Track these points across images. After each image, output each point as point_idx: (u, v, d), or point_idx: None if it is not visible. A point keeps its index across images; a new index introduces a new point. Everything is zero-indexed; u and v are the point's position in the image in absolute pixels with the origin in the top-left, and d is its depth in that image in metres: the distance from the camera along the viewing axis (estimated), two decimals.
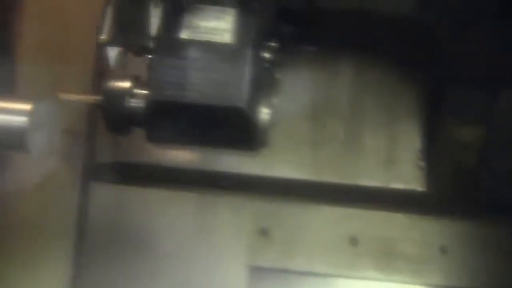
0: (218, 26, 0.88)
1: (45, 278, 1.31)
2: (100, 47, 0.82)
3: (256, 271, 1.42)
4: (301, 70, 1.49)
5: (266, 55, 0.94)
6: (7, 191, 1.19)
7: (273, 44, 1.05)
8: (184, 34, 0.88)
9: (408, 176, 1.48)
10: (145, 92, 0.88)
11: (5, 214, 1.27)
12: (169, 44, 0.87)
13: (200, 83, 0.86)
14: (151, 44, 0.83)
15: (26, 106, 0.87)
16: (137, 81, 0.90)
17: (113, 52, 0.82)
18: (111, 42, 0.82)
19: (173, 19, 0.87)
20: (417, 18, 1.28)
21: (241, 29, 0.88)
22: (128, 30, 0.81)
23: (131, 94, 0.89)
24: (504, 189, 1.42)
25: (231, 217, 1.44)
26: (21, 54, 1.13)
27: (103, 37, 0.80)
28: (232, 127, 0.88)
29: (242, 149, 0.93)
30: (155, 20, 0.83)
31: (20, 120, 0.86)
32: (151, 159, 1.45)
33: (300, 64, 1.48)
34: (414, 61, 1.46)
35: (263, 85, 0.93)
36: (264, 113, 0.90)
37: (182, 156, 1.45)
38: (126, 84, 0.89)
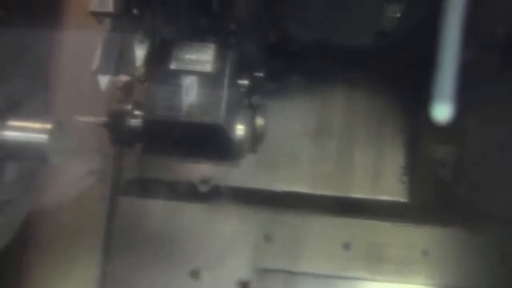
0: (201, 58, 0.94)
1: (76, 276, 1.38)
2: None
3: (261, 272, 1.46)
4: (299, 98, 1.54)
5: (244, 82, 1.01)
6: (47, 201, 1.25)
7: (259, 74, 1.12)
8: (173, 65, 0.95)
9: (393, 189, 1.51)
10: (142, 113, 0.95)
11: (44, 221, 1.34)
12: (161, 73, 0.94)
13: (186, 105, 0.93)
14: (136, 74, 0.89)
15: (47, 126, 0.95)
16: (137, 105, 0.97)
17: (103, 80, 0.89)
18: (102, 71, 0.89)
19: (163, 53, 0.94)
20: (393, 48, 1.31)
21: (220, 61, 0.95)
22: (117, 61, 0.89)
23: (132, 115, 0.96)
24: (477, 199, 1.43)
25: (239, 225, 1.48)
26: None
27: (95, 66, 0.88)
28: (212, 142, 0.94)
29: (222, 161, 0.99)
30: (140, 52, 0.89)
31: (41, 138, 0.95)
32: (170, 176, 1.51)
33: (298, 92, 1.54)
34: (396, 88, 1.50)
35: (240, 106, 0.99)
36: (240, 129, 0.96)
37: (196, 173, 1.50)
38: (127, 107, 0.96)
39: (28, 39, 1.05)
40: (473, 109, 1.40)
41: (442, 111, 0.78)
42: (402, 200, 1.50)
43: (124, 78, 0.93)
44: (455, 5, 0.81)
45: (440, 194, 1.48)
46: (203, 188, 1.42)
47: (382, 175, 1.52)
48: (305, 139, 1.53)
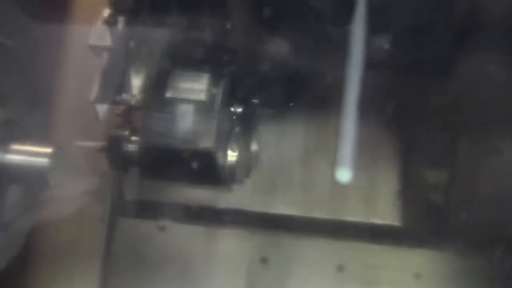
0: (195, 87, 1.00)
1: None
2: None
3: None
4: (295, 123, 1.59)
5: (237, 109, 1.06)
6: (49, 222, 1.29)
7: (254, 101, 1.18)
8: (168, 93, 1.00)
9: (386, 213, 1.55)
10: (138, 139, 1.01)
11: (46, 241, 1.39)
12: (157, 101, 1.00)
13: (180, 132, 0.98)
14: (133, 101, 0.95)
15: (48, 150, 1.01)
16: (134, 131, 1.03)
17: (101, 109, 0.95)
18: (100, 100, 0.95)
19: (159, 82, 1.00)
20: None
21: (213, 90, 1.00)
22: (114, 91, 0.94)
23: (129, 141, 1.02)
24: (466, 223, 1.46)
25: (236, 247, 1.52)
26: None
27: (93, 96, 0.94)
28: (205, 167, 0.99)
29: (214, 186, 1.05)
30: (137, 82, 0.95)
31: (42, 161, 1.00)
32: (169, 198, 1.55)
33: (294, 118, 1.59)
34: (388, 115, 1.56)
35: (232, 133, 1.05)
36: (231, 156, 1.02)
37: (194, 195, 1.54)
38: (124, 133, 1.02)
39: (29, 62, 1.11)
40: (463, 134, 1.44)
41: (343, 174, 0.87)
42: (395, 223, 1.54)
43: (121, 105, 0.98)
44: (352, 83, 0.90)
45: (433, 217, 1.51)
46: None
47: (375, 199, 1.55)
48: (300, 163, 1.57)
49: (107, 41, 0.93)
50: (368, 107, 1.52)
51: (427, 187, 1.52)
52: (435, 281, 1.48)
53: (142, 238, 1.51)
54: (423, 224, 1.53)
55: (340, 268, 1.50)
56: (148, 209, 1.54)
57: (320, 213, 1.56)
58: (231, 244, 1.52)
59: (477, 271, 1.46)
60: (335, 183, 1.55)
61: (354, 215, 1.55)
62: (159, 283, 1.49)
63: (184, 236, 1.53)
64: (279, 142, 1.55)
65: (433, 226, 1.51)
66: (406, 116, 1.51)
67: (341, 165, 0.89)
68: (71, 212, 1.36)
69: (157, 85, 0.98)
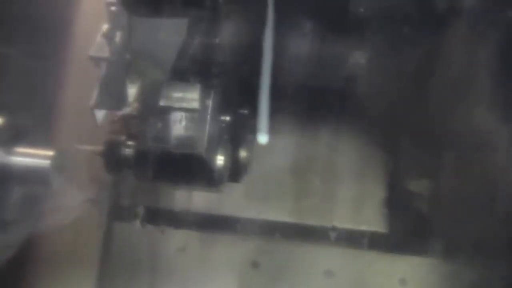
0: (187, 96, 1.08)
1: None
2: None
3: None
4: (286, 134, 1.67)
5: (226, 118, 1.15)
6: (43, 228, 1.32)
7: (243, 111, 1.26)
8: (162, 102, 1.09)
9: (373, 220, 1.63)
10: (134, 144, 1.10)
11: (41, 247, 1.45)
12: (151, 109, 1.09)
13: (172, 137, 1.07)
14: (130, 109, 1.04)
15: (50, 152, 1.09)
16: (130, 136, 1.11)
17: (99, 114, 1.04)
18: (98, 106, 1.04)
19: (154, 91, 1.09)
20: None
21: (204, 99, 1.09)
22: (112, 98, 1.03)
23: (125, 146, 1.11)
24: (451, 230, 1.55)
25: (228, 252, 1.60)
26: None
27: (92, 102, 1.03)
28: (196, 170, 1.08)
29: (204, 188, 1.13)
30: (132, 91, 1.04)
31: (44, 163, 1.08)
32: (165, 204, 1.63)
33: (286, 129, 1.67)
34: (377, 126, 1.64)
35: (222, 140, 1.14)
36: (220, 160, 1.11)
37: (189, 201, 1.62)
38: (121, 138, 1.11)
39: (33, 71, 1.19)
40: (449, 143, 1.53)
41: (262, 138, 1.00)
42: (382, 230, 1.62)
43: (119, 112, 1.07)
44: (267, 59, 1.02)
45: (417, 226, 1.59)
46: None
47: (363, 207, 1.63)
48: (292, 173, 1.65)
49: (106, 52, 1.02)
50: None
51: (413, 195, 1.59)
52: (420, 287, 1.55)
53: (138, 243, 1.58)
54: (409, 231, 1.61)
55: (329, 273, 1.58)
56: (144, 215, 1.61)
57: (311, 220, 1.64)
58: (223, 249, 1.60)
59: (461, 278, 1.53)
60: (324, 192, 1.65)
61: (343, 223, 1.63)
62: (154, 287, 1.55)
63: (178, 241, 1.60)
64: (272, 152, 1.62)
65: (419, 233, 1.59)
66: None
67: (261, 131, 1.02)
68: (71, 215, 1.43)
69: (152, 94, 1.07)
